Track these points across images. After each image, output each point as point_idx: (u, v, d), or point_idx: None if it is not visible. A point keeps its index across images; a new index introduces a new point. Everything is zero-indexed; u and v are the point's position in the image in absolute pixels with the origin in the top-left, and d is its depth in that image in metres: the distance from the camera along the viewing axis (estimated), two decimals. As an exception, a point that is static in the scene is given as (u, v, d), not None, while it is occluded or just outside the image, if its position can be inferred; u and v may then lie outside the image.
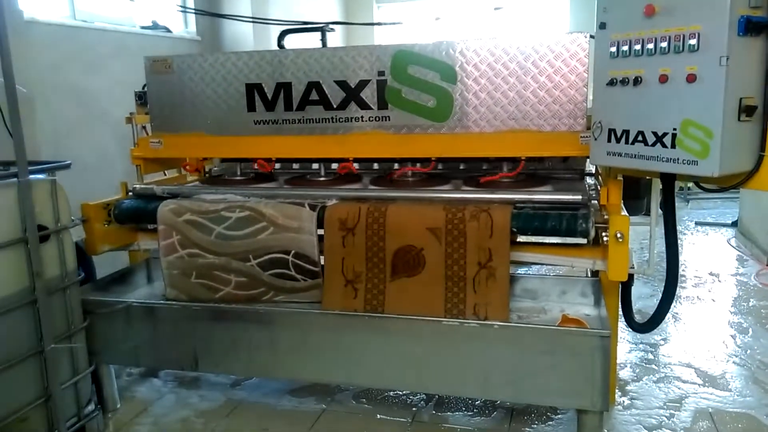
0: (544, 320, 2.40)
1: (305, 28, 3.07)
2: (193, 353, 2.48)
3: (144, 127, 3.16)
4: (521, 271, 3.28)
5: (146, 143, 2.89)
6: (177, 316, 2.50)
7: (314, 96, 2.64)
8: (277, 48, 3.11)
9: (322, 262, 2.46)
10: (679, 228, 6.21)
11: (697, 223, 6.40)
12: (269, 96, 2.68)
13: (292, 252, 2.46)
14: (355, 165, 2.77)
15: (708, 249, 5.54)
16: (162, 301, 2.58)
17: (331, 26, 2.95)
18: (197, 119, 2.80)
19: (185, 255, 2.54)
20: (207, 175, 3.27)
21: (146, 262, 3.00)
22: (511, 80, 2.40)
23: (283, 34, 3.20)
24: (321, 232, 2.45)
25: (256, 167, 2.90)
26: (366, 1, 9.90)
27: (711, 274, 4.71)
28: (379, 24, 6.83)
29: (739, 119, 1.75)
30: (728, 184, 1.89)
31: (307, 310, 2.42)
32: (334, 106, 2.62)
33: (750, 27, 1.69)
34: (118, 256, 3.03)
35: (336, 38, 9.08)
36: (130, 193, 2.82)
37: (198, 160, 3.10)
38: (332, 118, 2.63)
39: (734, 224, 6.10)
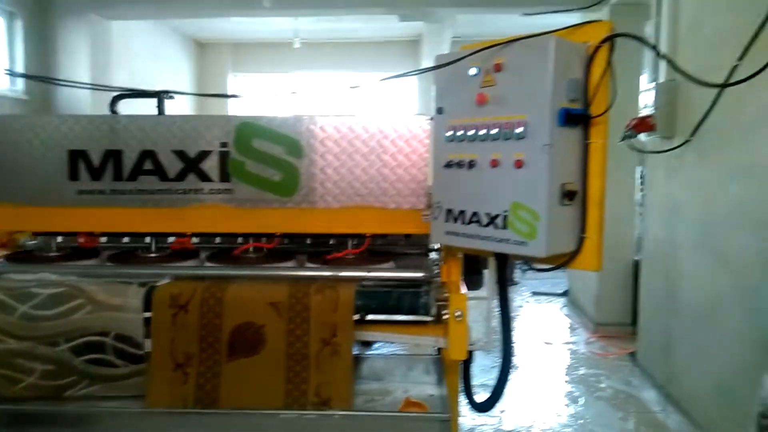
0: (388, 403, 2.33)
1: (140, 92, 2.87)
2: (-21, 468, 2.06)
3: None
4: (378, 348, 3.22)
5: (-61, 213, 2.47)
6: (-40, 422, 2.07)
7: (149, 166, 2.44)
8: (110, 113, 2.87)
9: (149, 348, 2.20)
10: (516, 297, 6.64)
11: (533, 293, 6.87)
12: (96, 164, 2.44)
13: (113, 334, 2.17)
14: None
15: (542, 318, 5.93)
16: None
17: (171, 94, 2.78)
18: (8, 188, 2.46)
19: (-20, 342, 2.15)
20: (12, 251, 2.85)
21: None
22: (357, 157, 2.41)
23: (116, 99, 2.99)
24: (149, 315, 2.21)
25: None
26: (221, 70, 9.82)
27: (546, 342, 5.01)
28: (223, 96, 6.74)
29: (561, 203, 1.87)
30: (555, 264, 2.00)
31: (126, 408, 2.12)
32: (171, 177, 2.44)
33: (568, 118, 1.84)
34: None
35: (185, 106, 8.83)
36: None
37: (7, 234, 2.71)
38: (168, 190, 2.45)
39: (565, 294, 6.63)
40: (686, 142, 3.51)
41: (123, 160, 2.43)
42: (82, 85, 4.38)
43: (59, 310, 2.16)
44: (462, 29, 7.46)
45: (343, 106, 8.93)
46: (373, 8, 5.62)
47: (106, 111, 2.78)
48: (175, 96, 2.83)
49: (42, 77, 5.38)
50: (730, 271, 3.08)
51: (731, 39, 3.02)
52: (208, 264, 2.51)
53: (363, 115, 2.41)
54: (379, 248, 2.77)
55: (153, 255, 2.60)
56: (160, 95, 2.72)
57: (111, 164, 2.43)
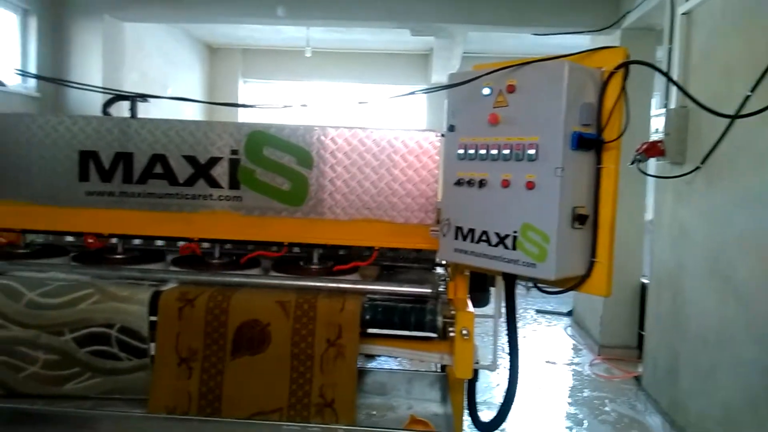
0: (391, 419, 2.31)
1: (126, 95, 2.87)
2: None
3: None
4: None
5: (-51, 209, 2.48)
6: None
7: (158, 169, 2.45)
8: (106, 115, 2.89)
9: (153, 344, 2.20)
10: (519, 316, 6.60)
11: (537, 311, 6.81)
12: (106, 166, 2.45)
13: (117, 326, 2.16)
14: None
15: (546, 337, 5.88)
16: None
17: (146, 97, 2.75)
18: (19, 186, 2.47)
19: (-16, 327, 2.15)
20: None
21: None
22: (367, 170, 2.41)
23: (110, 102, 2.99)
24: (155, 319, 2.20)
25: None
26: (232, 75, 9.86)
27: (548, 362, 4.96)
28: (235, 105, 6.76)
29: (572, 226, 1.86)
30: (564, 287, 1.99)
31: (129, 412, 2.11)
32: (181, 182, 2.45)
33: (581, 142, 1.84)
34: None
35: (194, 111, 8.86)
36: None
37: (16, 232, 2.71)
38: (178, 194, 2.46)
39: (570, 313, 6.58)
40: (696, 168, 3.50)
41: (133, 163, 2.44)
42: (89, 88, 4.35)
43: (65, 299, 2.16)
44: (473, 45, 7.48)
45: (352, 116, 8.95)
46: (385, 22, 5.64)
47: (120, 114, 2.79)
48: (183, 101, 2.81)
49: (50, 78, 5.38)
50: (738, 297, 3.06)
51: (743, 68, 3.02)
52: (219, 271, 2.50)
53: (373, 129, 2.42)
54: (386, 262, 2.76)
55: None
56: (134, 98, 2.71)
57: (121, 166, 2.45)
